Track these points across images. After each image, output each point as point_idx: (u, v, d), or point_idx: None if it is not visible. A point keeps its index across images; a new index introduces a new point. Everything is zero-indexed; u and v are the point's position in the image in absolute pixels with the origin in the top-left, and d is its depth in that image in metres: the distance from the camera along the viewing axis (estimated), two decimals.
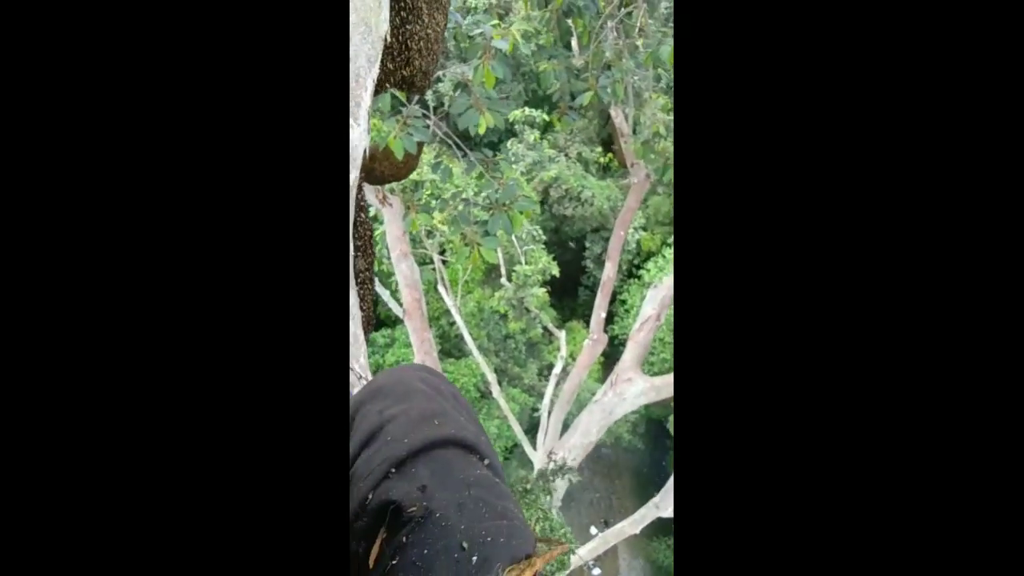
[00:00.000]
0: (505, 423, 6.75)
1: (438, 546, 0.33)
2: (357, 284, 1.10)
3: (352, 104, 0.97)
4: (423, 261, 6.79)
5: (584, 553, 4.84)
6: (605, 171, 10.25)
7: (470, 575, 0.32)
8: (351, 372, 0.92)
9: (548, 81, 2.92)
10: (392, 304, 5.75)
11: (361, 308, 1.08)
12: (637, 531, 4.70)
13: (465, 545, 0.33)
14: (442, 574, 0.32)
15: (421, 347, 4.54)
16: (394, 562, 0.33)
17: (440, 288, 6.73)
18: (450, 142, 2.66)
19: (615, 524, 5.07)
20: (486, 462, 0.43)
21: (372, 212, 4.77)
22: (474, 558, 0.32)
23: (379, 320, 7.91)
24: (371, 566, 0.34)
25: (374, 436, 0.41)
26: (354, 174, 0.99)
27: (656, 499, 4.37)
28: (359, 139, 0.98)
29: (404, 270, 4.40)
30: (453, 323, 7.13)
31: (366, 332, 1.09)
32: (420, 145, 2.16)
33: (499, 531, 0.35)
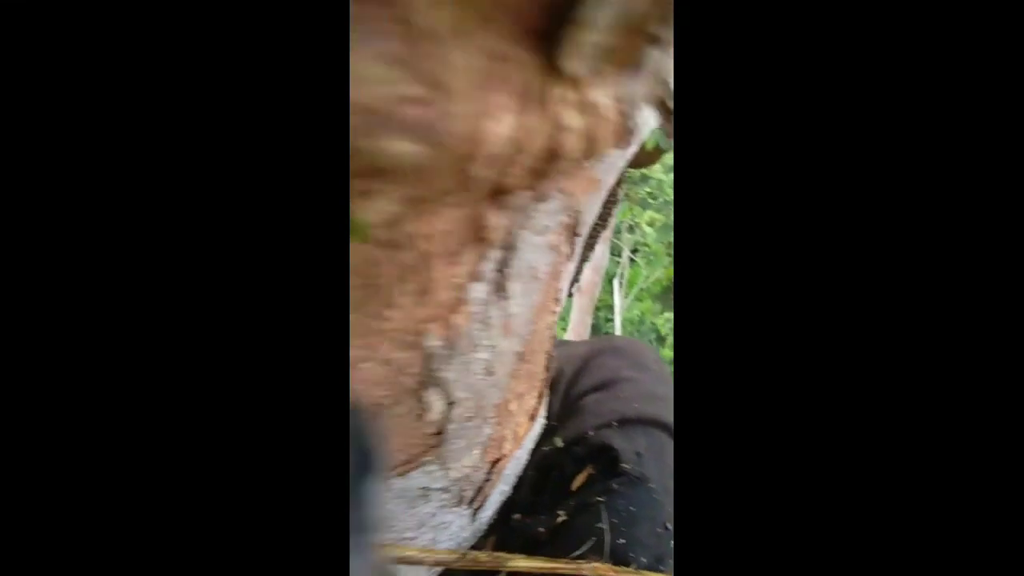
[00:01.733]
0: None
1: (645, 512, 0.34)
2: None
3: None
4: (613, 251, 6.74)
5: None
6: None
7: (664, 554, 0.32)
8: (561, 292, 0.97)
9: None
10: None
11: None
12: None
13: (669, 527, 0.34)
14: (642, 538, 0.33)
15: (576, 327, 4.60)
16: (601, 500, 0.35)
17: (615, 282, 6.67)
18: None
19: None
20: None
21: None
22: (671, 543, 0.33)
23: None
24: (572, 489, 0.37)
25: (607, 385, 0.43)
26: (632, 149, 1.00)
27: None
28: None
29: (596, 251, 4.42)
30: (610, 319, 7.05)
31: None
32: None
33: None
